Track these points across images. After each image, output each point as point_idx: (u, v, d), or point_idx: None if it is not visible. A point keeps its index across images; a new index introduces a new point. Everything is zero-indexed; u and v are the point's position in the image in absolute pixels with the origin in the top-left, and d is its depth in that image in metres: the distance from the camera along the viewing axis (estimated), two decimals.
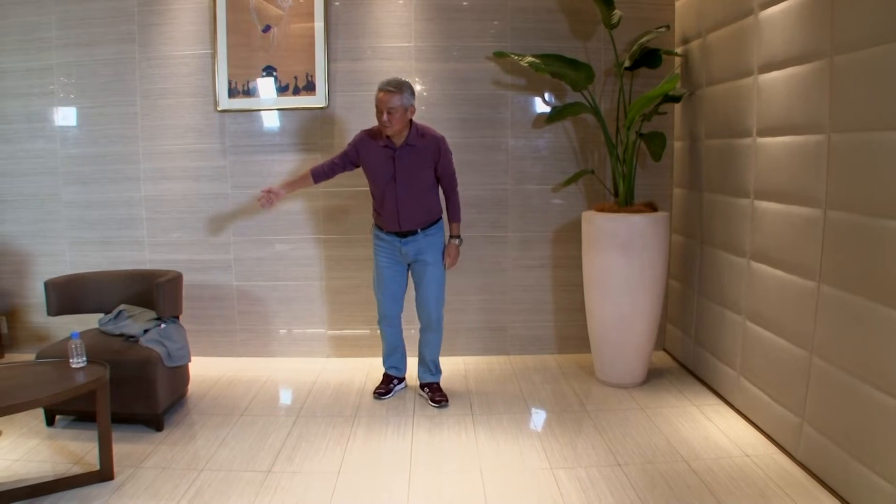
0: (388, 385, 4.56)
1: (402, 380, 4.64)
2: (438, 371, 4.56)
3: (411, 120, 4.12)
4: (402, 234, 4.23)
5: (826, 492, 3.16)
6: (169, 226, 5.23)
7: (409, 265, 4.36)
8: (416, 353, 4.61)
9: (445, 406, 4.32)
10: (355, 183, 5.01)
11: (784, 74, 3.55)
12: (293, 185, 4.45)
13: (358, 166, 4.29)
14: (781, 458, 3.52)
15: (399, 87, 3.96)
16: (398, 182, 4.12)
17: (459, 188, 4.38)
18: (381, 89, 3.97)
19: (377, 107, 3.99)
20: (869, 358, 2.91)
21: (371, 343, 5.30)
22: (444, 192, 4.33)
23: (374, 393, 4.51)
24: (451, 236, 4.36)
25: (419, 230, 4.22)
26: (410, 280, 4.45)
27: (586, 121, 5.07)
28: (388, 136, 4.07)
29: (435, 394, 4.41)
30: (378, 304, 4.46)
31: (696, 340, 4.75)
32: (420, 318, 4.45)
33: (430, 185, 4.24)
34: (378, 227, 4.34)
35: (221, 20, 4.98)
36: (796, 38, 3.43)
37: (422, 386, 4.53)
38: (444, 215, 4.39)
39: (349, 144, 4.28)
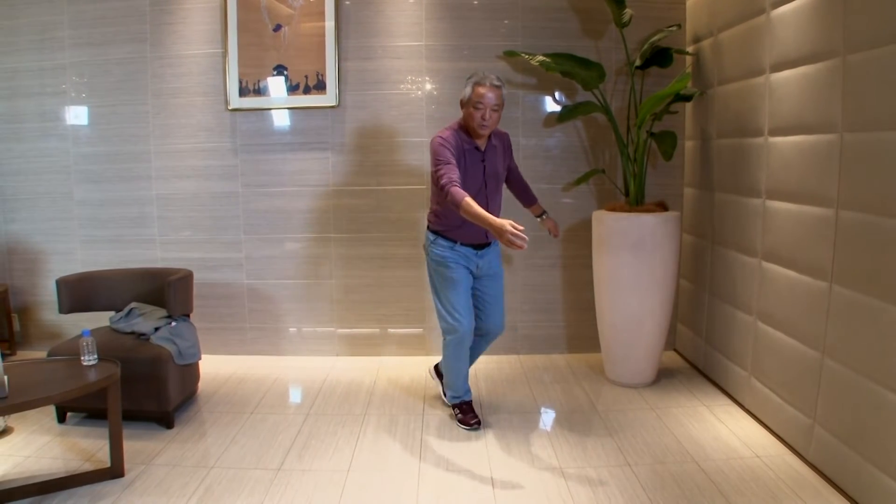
0: (474, 411, 4.10)
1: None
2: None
3: None
4: (480, 246, 3.91)
5: (837, 493, 3.14)
6: (180, 224, 5.25)
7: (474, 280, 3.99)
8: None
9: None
10: (365, 182, 5.03)
11: (796, 73, 3.53)
12: (492, 212, 3.63)
13: None
14: (792, 460, 3.50)
15: (502, 82, 3.72)
16: (489, 187, 3.84)
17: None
18: (486, 84, 3.65)
19: (478, 104, 3.64)
20: (881, 359, 2.89)
21: (381, 342, 5.30)
22: (516, 182, 4.26)
23: (470, 424, 3.97)
24: (542, 213, 4.33)
25: (492, 239, 3.91)
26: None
27: (597, 120, 5.06)
28: (472, 138, 3.77)
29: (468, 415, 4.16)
30: (454, 325, 3.86)
31: (706, 340, 4.73)
32: (486, 330, 4.12)
33: (502, 187, 4.03)
34: (449, 240, 3.87)
35: (232, 19, 4.99)
36: (808, 37, 3.41)
37: (440, 375, 4.39)
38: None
39: (446, 150, 3.65)
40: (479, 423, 3.98)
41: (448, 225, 3.83)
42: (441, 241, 3.88)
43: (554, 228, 4.28)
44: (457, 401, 4.11)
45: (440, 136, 3.72)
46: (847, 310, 3.13)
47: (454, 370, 4.04)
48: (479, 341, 4.17)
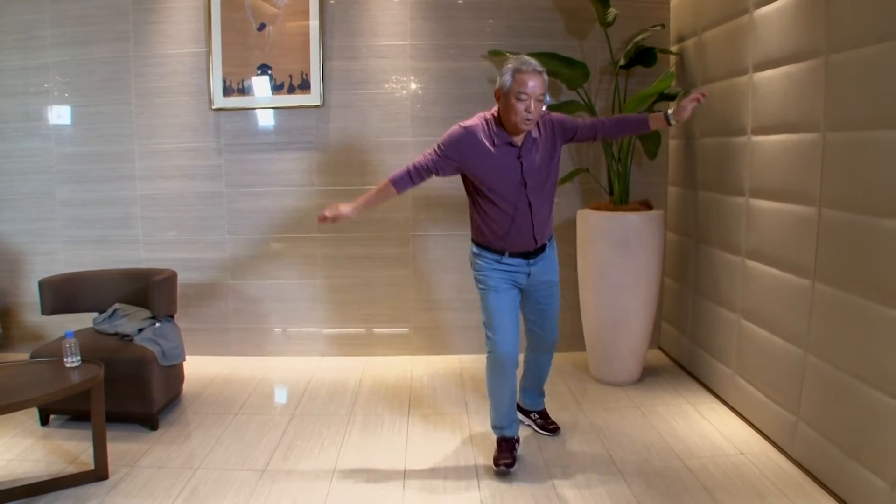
0: (513, 452, 3.49)
1: (519, 439, 3.61)
2: (544, 394, 3.95)
3: None
4: (533, 254, 3.42)
5: (821, 489, 3.17)
6: (164, 224, 5.23)
7: (522, 290, 3.52)
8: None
9: (557, 434, 3.86)
10: (350, 181, 5.02)
11: (779, 73, 3.55)
12: (370, 201, 3.39)
13: (457, 173, 3.38)
14: (776, 456, 3.53)
15: (543, 69, 3.21)
16: (529, 188, 3.28)
17: (453, 186, 3.92)
18: (529, 70, 3.15)
19: (521, 95, 3.13)
20: (863, 355, 2.92)
21: (366, 342, 5.30)
22: (598, 130, 3.46)
23: (501, 466, 3.39)
24: (665, 116, 3.41)
25: (547, 243, 3.48)
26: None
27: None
28: (501, 129, 3.25)
29: (547, 420, 3.92)
30: (490, 345, 3.40)
31: (691, 338, 4.75)
32: (538, 343, 3.73)
33: (555, 181, 3.45)
34: (496, 251, 3.40)
35: (216, 18, 4.97)
36: (791, 37, 3.43)
37: (526, 412, 3.94)
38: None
39: (444, 144, 3.28)
40: (508, 465, 3.40)
41: (493, 234, 3.36)
42: (486, 254, 3.42)
43: (688, 108, 3.38)
44: (496, 433, 3.56)
45: (460, 127, 3.29)
46: (829, 307, 3.15)
47: (493, 395, 3.51)
48: (540, 356, 3.78)
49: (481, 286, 3.44)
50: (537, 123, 3.31)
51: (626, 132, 3.62)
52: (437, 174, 3.32)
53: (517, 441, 3.54)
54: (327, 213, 3.34)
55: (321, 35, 4.97)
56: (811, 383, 3.30)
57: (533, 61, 3.17)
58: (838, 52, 3.06)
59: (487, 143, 3.24)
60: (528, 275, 3.43)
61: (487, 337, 3.41)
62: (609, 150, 4.63)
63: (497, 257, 3.39)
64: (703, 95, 3.40)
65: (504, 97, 3.19)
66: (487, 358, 3.45)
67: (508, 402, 3.49)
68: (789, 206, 3.46)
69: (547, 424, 3.88)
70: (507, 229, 3.32)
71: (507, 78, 3.17)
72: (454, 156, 3.25)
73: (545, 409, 3.95)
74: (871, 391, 2.85)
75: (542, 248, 3.44)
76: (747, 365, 3.96)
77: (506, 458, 3.41)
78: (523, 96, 3.11)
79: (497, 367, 3.41)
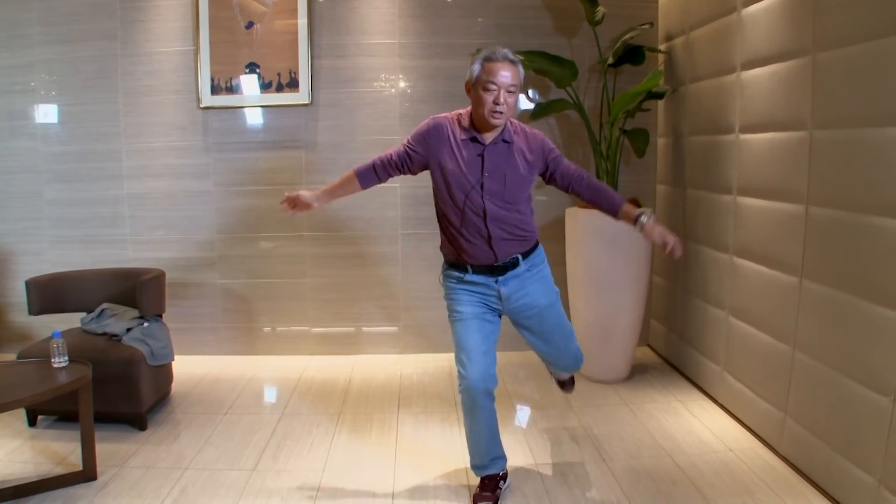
0: (495, 491, 3.15)
1: (506, 476, 3.27)
2: (580, 358, 3.49)
3: None
4: (499, 270, 3.04)
5: (809, 486, 3.19)
6: (152, 223, 5.20)
7: (500, 315, 3.18)
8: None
9: (567, 391, 3.88)
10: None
11: (767, 71, 3.56)
12: (333, 192, 3.25)
13: (424, 168, 3.10)
14: (765, 453, 3.54)
15: (517, 60, 2.91)
16: (487, 190, 2.95)
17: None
18: (499, 59, 2.85)
19: (489, 85, 2.84)
20: (851, 353, 2.94)
21: (356, 341, 5.29)
22: (576, 189, 3.12)
23: None
24: (638, 217, 2.97)
25: (521, 260, 3.07)
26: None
27: (570, 117, 5.08)
28: (472, 125, 2.99)
29: (563, 386, 3.87)
30: (465, 380, 3.02)
31: (679, 336, 4.77)
32: (555, 367, 3.59)
33: (527, 197, 3.10)
34: (453, 265, 3.13)
35: (204, 17, 4.94)
36: (779, 36, 3.45)
37: (560, 383, 3.86)
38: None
39: (412, 137, 3.07)
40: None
41: (449, 241, 3.10)
42: (452, 273, 3.13)
43: (668, 236, 2.90)
44: (476, 473, 3.22)
45: (430, 118, 3.09)
46: (817, 304, 3.17)
47: (468, 433, 3.18)
48: (562, 372, 3.67)
49: (449, 313, 3.14)
50: (531, 138, 3.05)
51: (596, 204, 3.13)
52: (403, 168, 3.09)
53: (502, 477, 3.22)
54: (287, 194, 3.18)
55: (309, 33, 4.96)
56: (799, 380, 3.32)
57: (505, 50, 2.88)
58: (825, 50, 3.08)
59: (454, 137, 2.99)
60: (500, 296, 3.06)
61: (458, 371, 3.06)
62: (598, 148, 4.64)
63: (461, 274, 3.08)
64: (675, 253, 2.91)
65: (473, 88, 2.92)
66: (459, 393, 3.10)
67: (487, 441, 3.15)
68: (777, 204, 3.48)
69: (562, 387, 3.85)
70: (464, 237, 3.01)
71: (476, 67, 2.90)
72: (420, 149, 3.03)
73: (566, 380, 3.79)
74: (858, 387, 2.87)
75: (512, 264, 3.05)
76: (736, 362, 3.98)
77: (486, 497, 3.11)
78: (492, 86, 2.83)
79: (468, 402, 3.05)
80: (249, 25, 4.96)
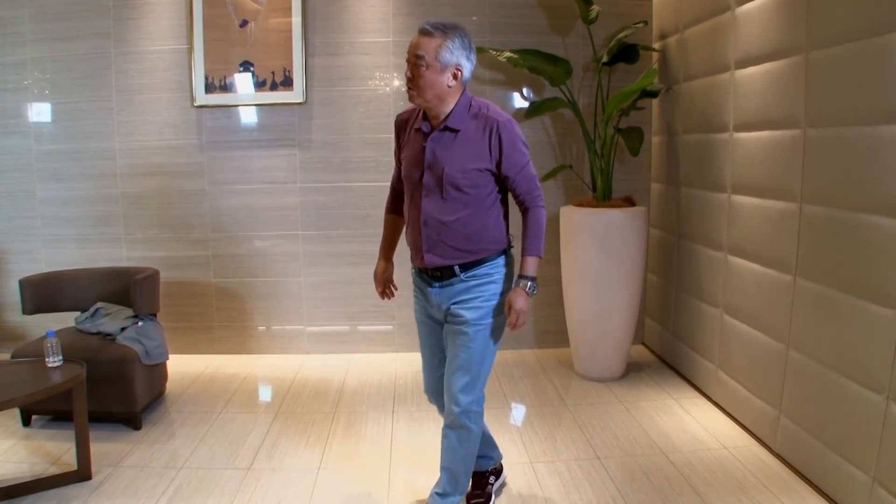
0: (486, 488, 3.10)
1: (499, 471, 3.24)
2: (453, 489, 2.90)
3: (465, 91, 2.68)
4: (433, 275, 2.76)
5: (803, 483, 3.20)
6: (146, 222, 5.19)
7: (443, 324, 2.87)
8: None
9: None
10: (333, 179, 5.01)
11: (760, 70, 3.57)
12: (390, 245, 3.10)
13: None
14: (759, 450, 3.56)
15: (444, 30, 2.57)
16: (425, 185, 2.67)
17: None
18: (419, 30, 2.61)
19: (407, 56, 2.63)
20: (844, 350, 2.95)
21: (350, 339, 5.29)
22: (518, 208, 2.81)
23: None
24: (518, 277, 2.73)
25: (458, 269, 2.71)
26: None
27: (564, 116, 5.08)
28: (424, 114, 2.71)
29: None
30: (424, 379, 3.03)
31: (674, 334, 4.78)
32: (445, 398, 2.85)
33: (480, 197, 2.67)
34: (413, 265, 2.89)
35: (198, 15, 4.93)
36: (772, 34, 3.45)
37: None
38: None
39: (395, 137, 2.93)
40: (484, 502, 3.04)
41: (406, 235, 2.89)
42: (412, 270, 2.93)
43: (513, 312, 2.68)
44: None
45: (396, 117, 2.94)
46: (811, 302, 3.18)
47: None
48: (446, 423, 2.89)
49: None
50: (487, 121, 2.63)
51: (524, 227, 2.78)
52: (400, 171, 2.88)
53: (493, 473, 3.18)
54: (377, 290, 3.06)
55: (303, 32, 4.95)
56: (793, 378, 3.33)
57: (431, 21, 2.61)
58: (819, 49, 3.08)
59: (410, 127, 2.78)
60: (432, 303, 2.80)
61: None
62: (592, 146, 4.65)
63: (413, 271, 2.90)
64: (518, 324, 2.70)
65: None
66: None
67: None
68: (771, 203, 3.49)
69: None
70: (406, 231, 2.84)
71: None
72: (396, 140, 2.88)
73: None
74: (851, 385, 2.88)
75: (448, 273, 2.71)
76: (730, 360, 3.99)
77: (477, 496, 3.05)
78: (407, 58, 2.61)
79: (436, 407, 3.04)
80: (243, 24, 4.95)
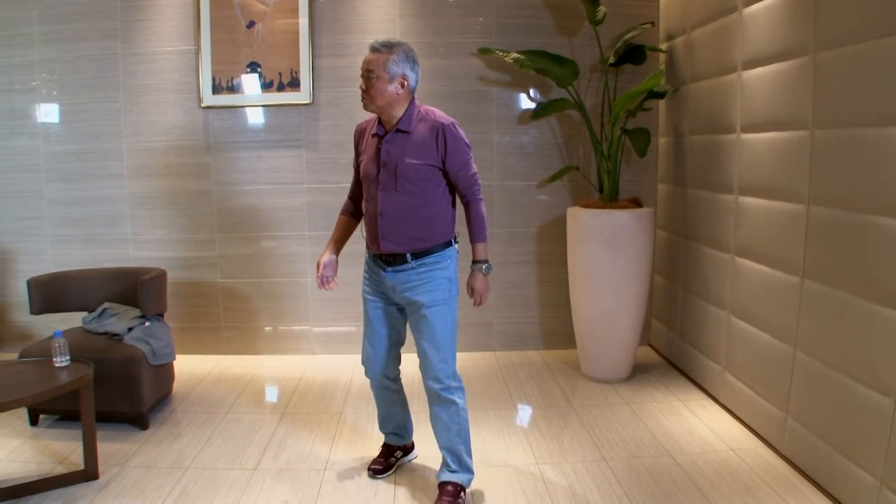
0: (388, 459, 3.45)
1: (409, 449, 3.57)
2: (462, 468, 3.17)
3: (413, 100, 3.07)
4: (386, 260, 3.08)
5: (810, 485, 3.19)
6: (153, 223, 5.20)
7: (401, 308, 3.23)
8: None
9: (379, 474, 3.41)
10: (340, 179, 5.01)
11: (768, 71, 3.56)
12: (339, 241, 3.40)
13: None
14: (766, 452, 3.55)
15: (388, 47, 2.93)
16: (382, 180, 3.01)
17: None
18: (369, 47, 2.97)
19: (361, 70, 2.97)
20: (852, 352, 2.94)
21: (357, 340, 5.24)
22: (461, 201, 3.15)
23: (369, 470, 3.42)
24: (473, 262, 3.12)
25: (409, 257, 3.04)
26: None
27: (571, 117, 5.08)
28: (380, 121, 3.06)
29: (443, 495, 3.10)
30: (362, 356, 3.36)
31: (680, 336, 4.77)
32: (425, 386, 3.20)
33: (429, 191, 3.03)
34: (367, 250, 3.22)
35: (205, 16, 4.95)
36: (780, 35, 3.45)
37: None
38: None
39: (354, 142, 3.29)
40: (375, 471, 3.38)
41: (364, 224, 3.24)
42: (365, 254, 3.26)
43: (475, 293, 3.13)
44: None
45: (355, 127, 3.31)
46: (818, 304, 3.17)
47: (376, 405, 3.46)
48: (429, 402, 3.23)
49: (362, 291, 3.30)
50: (433, 125, 3.01)
51: (467, 225, 3.13)
52: (357, 176, 3.25)
53: (401, 448, 3.50)
54: (318, 275, 3.32)
55: (310, 33, 4.96)
56: (800, 380, 3.32)
57: (379, 40, 2.97)
58: (826, 50, 3.08)
59: (368, 133, 3.14)
60: (387, 285, 3.12)
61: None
62: (599, 147, 4.64)
63: (366, 255, 3.25)
64: (475, 302, 3.16)
65: None
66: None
67: (382, 415, 3.46)
68: (778, 204, 3.48)
69: (440, 496, 3.11)
70: (364, 221, 3.18)
71: None
72: (356, 150, 3.24)
73: (452, 485, 3.12)
74: (859, 387, 2.87)
75: (400, 260, 3.04)
76: (737, 362, 3.98)
77: (375, 464, 3.43)
78: (361, 73, 2.97)
79: (371, 381, 3.40)
80: (250, 25, 4.97)
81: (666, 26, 4.92)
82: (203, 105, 5.05)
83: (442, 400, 3.13)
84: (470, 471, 3.19)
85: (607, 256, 4.43)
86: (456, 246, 3.16)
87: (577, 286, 4.67)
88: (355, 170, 3.26)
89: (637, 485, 3.25)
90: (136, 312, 4.27)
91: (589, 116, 4.67)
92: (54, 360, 3.42)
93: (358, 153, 3.21)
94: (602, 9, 4.50)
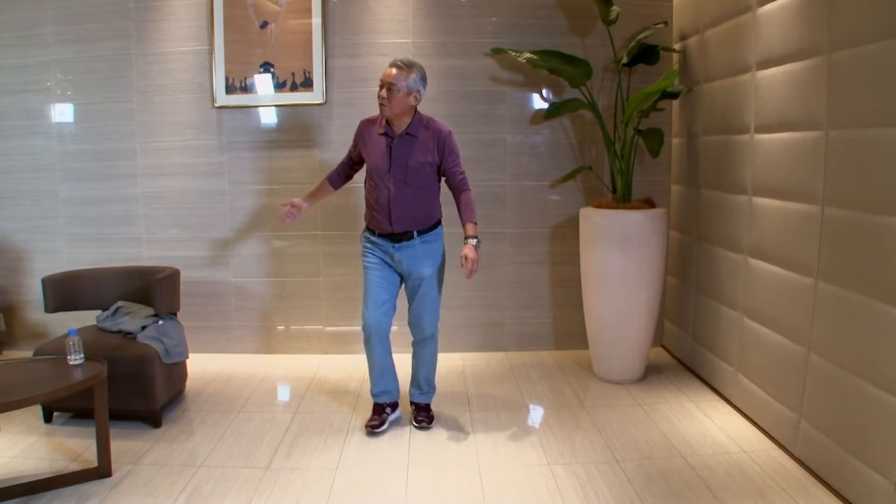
0: (381, 415, 3.99)
1: (395, 406, 4.10)
2: (431, 389, 4.13)
3: (416, 109, 3.78)
4: (396, 238, 3.78)
5: (823, 487, 3.17)
6: (166, 222, 5.23)
7: (401, 276, 3.92)
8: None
9: (427, 428, 3.96)
10: (354, 179, 5.00)
11: (782, 71, 3.55)
12: (314, 196, 4.11)
13: (364, 160, 3.93)
14: (779, 454, 3.53)
15: (408, 66, 3.66)
16: (393, 175, 3.71)
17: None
18: (391, 64, 3.69)
19: (380, 82, 3.67)
20: (866, 354, 2.92)
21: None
22: (452, 191, 3.86)
23: (367, 427, 3.92)
24: (466, 237, 3.73)
25: (415, 234, 3.78)
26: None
27: (584, 117, 5.07)
28: (387, 123, 3.74)
29: (419, 413, 4.04)
30: (364, 318, 3.85)
31: (693, 337, 4.75)
32: (413, 332, 4.01)
33: (429, 184, 3.79)
34: (370, 228, 3.90)
35: (219, 16, 4.97)
36: (794, 35, 3.43)
37: (411, 404, 4.13)
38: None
39: (354, 137, 3.97)
40: (374, 426, 3.89)
41: (369, 209, 3.89)
42: (366, 233, 3.95)
43: (468, 264, 3.68)
44: (372, 398, 4.06)
45: (360, 121, 3.96)
46: (832, 306, 3.15)
47: (369, 364, 4.00)
48: (417, 348, 4.05)
49: (363, 264, 3.94)
50: (436, 131, 3.78)
51: (457, 209, 3.86)
52: (353, 164, 4.05)
53: (389, 406, 4.03)
54: (285, 207, 3.97)
55: (323, 33, 4.97)
56: (813, 381, 3.30)
57: (400, 59, 3.72)
58: (841, 49, 3.06)
59: (376, 131, 3.81)
60: (395, 259, 3.83)
61: (362, 312, 3.88)
62: (612, 148, 4.63)
63: (370, 234, 3.90)
64: (467, 274, 3.71)
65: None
66: (364, 333, 3.90)
67: (377, 374, 3.98)
68: (792, 205, 3.46)
69: (417, 416, 4.04)
70: (374, 206, 3.81)
71: None
72: (357, 138, 3.94)
73: (426, 404, 4.12)
74: (873, 389, 2.85)
75: (407, 236, 3.78)
76: (750, 363, 3.96)
77: (372, 421, 3.95)
78: (380, 83, 3.68)
79: (365, 338, 3.90)
80: (264, 25, 4.98)
81: (679, 26, 4.91)
82: (216, 105, 5.07)
83: (429, 341, 4.01)
84: (435, 389, 4.17)
85: (620, 257, 4.42)
86: (442, 227, 3.95)
87: (589, 287, 4.66)
88: (349, 153, 4.04)
89: (649, 486, 3.24)
90: (150, 311, 4.29)
91: (602, 116, 4.66)
92: (68, 357, 3.44)
93: (358, 144, 3.93)
94: (615, 9, 4.49)
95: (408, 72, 3.65)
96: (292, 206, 3.95)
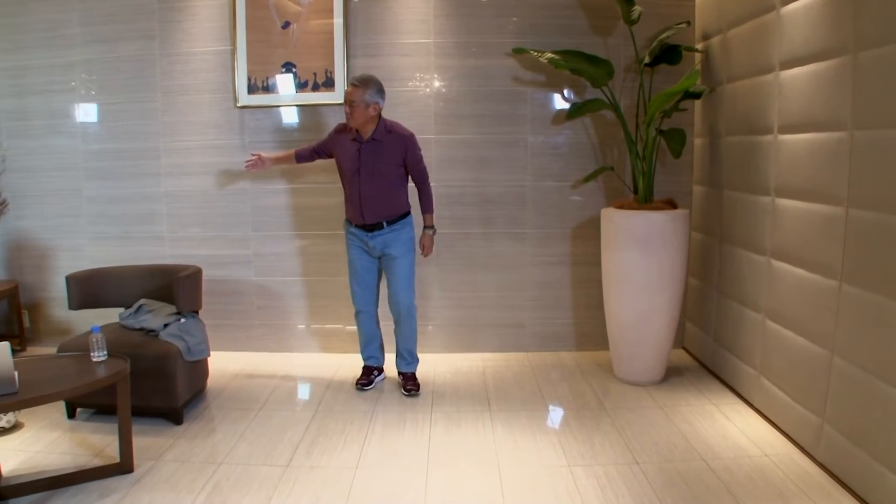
0: (369, 376, 4.67)
1: (381, 370, 4.77)
2: (414, 360, 4.67)
3: (380, 116, 4.26)
4: (368, 228, 4.37)
5: (846, 492, 3.14)
6: (189, 221, 5.27)
7: (378, 258, 4.49)
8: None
9: (416, 395, 4.49)
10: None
11: (806, 71, 3.51)
12: (279, 160, 4.74)
13: (331, 156, 4.50)
14: (801, 459, 3.50)
15: (364, 83, 4.14)
16: (362, 175, 4.27)
17: (476, 184, 4.93)
18: (349, 82, 4.28)
19: (344, 99, 4.30)
20: (890, 357, 2.88)
21: (388, 339, 5.28)
22: (415, 186, 4.47)
23: (357, 384, 4.62)
24: (424, 227, 4.50)
25: (385, 224, 4.36)
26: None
27: (605, 117, 5.05)
28: (357, 130, 4.25)
29: (407, 382, 4.58)
30: (352, 296, 4.59)
31: (715, 339, 4.72)
32: (391, 310, 4.59)
33: (396, 181, 4.35)
34: (348, 220, 4.48)
35: (241, 17, 5.00)
36: (818, 34, 3.40)
37: (399, 374, 4.68)
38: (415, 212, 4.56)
39: (330, 133, 4.53)
40: (363, 384, 4.61)
41: (345, 205, 4.48)
42: (345, 223, 4.53)
43: (424, 248, 4.55)
44: (363, 360, 4.75)
45: (338, 124, 4.53)
46: (856, 308, 3.12)
47: (359, 333, 4.71)
48: (397, 322, 4.62)
49: (347, 249, 4.55)
50: (400, 137, 4.28)
51: (419, 200, 4.52)
52: (321, 154, 4.58)
53: (376, 370, 4.73)
54: (253, 156, 4.66)
55: (345, 33, 4.99)
56: (837, 385, 3.27)
57: (354, 76, 4.27)
58: (866, 49, 3.03)
59: (347, 138, 4.33)
60: (370, 245, 4.40)
61: (351, 290, 4.60)
62: (633, 148, 4.61)
63: (348, 224, 4.48)
64: (423, 253, 4.58)
65: None
66: (354, 309, 4.63)
67: (366, 340, 4.68)
68: (816, 206, 3.43)
69: (406, 385, 4.57)
70: (347, 202, 4.41)
71: None
72: (330, 140, 4.50)
73: (411, 373, 4.65)
74: None
75: (378, 227, 4.35)
76: (772, 366, 3.93)
77: (361, 380, 4.65)
78: (344, 99, 4.29)
79: (359, 313, 4.62)
80: (285, 25, 5.00)
81: (702, 26, 4.88)
82: (238, 105, 5.10)
83: (408, 316, 4.54)
84: (418, 360, 4.70)
85: (641, 258, 4.40)
86: (411, 216, 4.50)
87: (610, 287, 4.64)
88: (321, 145, 4.56)
89: (669, 489, 3.22)
90: (172, 309, 4.32)
91: (623, 117, 4.64)
92: (92, 354, 3.48)
93: (329, 145, 4.49)
94: (637, 8, 4.47)
95: (364, 88, 4.12)
96: (259, 158, 4.61)
